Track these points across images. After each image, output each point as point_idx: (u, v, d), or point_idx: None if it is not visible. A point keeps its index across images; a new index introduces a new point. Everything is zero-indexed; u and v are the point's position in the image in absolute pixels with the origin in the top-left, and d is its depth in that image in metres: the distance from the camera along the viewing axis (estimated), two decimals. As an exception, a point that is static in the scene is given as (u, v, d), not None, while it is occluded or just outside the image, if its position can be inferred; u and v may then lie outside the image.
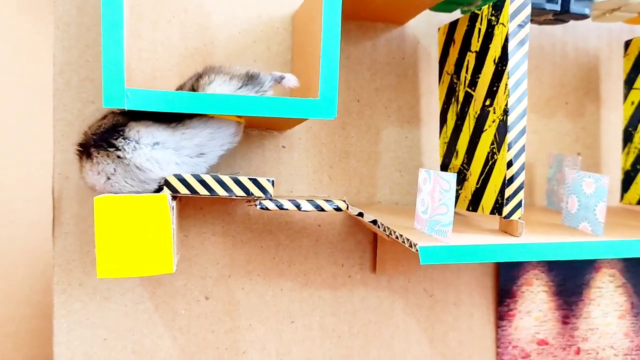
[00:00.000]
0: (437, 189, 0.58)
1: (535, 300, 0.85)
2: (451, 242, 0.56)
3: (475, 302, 0.84)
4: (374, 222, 0.64)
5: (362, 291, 0.80)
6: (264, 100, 0.60)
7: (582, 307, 0.86)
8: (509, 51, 0.61)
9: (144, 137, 0.61)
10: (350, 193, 0.80)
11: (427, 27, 0.81)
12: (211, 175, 0.62)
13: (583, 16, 0.72)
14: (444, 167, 0.76)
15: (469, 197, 0.70)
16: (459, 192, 0.72)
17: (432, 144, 0.82)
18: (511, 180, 0.62)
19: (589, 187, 0.65)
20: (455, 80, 0.73)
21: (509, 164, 0.62)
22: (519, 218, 0.62)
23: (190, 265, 0.74)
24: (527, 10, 0.61)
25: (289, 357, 0.78)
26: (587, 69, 0.88)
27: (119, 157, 0.60)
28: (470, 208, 0.70)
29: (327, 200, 0.65)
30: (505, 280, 0.83)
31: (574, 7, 0.71)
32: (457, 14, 0.79)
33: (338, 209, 0.65)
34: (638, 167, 0.82)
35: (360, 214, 0.66)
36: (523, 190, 0.62)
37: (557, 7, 0.70)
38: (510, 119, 0.62)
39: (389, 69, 0.81)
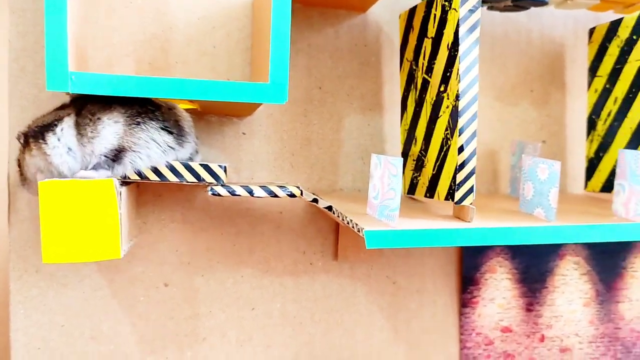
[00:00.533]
0: (386, 174, 0.58)
1: (499, 288, 0.85)
2: (397, 227, 0.56)
3: (439, 289, 0.84)
4: (329, 208, 0.64)
5: (323, 278, 0.80)
6: (215, 84, 0.59)
7: (546, 294, 0.87)
8: (459, 36, 0.61)
9: (65, 136, 0.60)
10: (312, 180, 0.80)
11: (390, 14, 0.81)
12: (165, 163, 0.62)
13: (542, 3, 0.72)
14: (405, 154, 0.76)
15: (427, 183, 0.70)
16: (418, 178, 0.72)
17: (395, 131, 0.82)
18: (462, 165, 0.62)
19: (543, 173, 0.65)
20: (414, 67, 0.73)
21: (460, 150, 0.62)
22: (471, 203, 0.62)
23: (149, 251, 0.74)
24: (478, -5, 0.61)
25: (250, 344, 0.78)
26: (552, 57, 0.88)
27: (44, 152, 0.59)
28: (428, 195, 0.70)
29: (280, 187, 0.65)
30: (469, 267, 0.84)
31: (531, -6, 0.71)
32: (417, 0, 0.79)
33: (292, 195, 0.65)
34: (601, 154, 0.82)
35: (315, 200, 0.66)
36: (474, 175, 0.62)
37: (516, -7, 0.70)
38: (461, 105, 0.62)
39: (351, 56, 0.81)
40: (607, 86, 0.80)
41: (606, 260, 0.88)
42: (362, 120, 0.81)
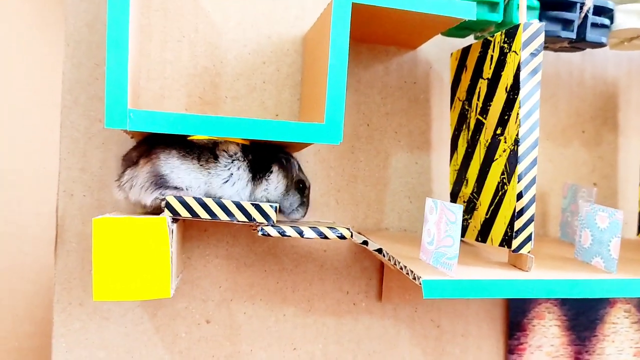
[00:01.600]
0: (443, 220, 0.57)
1: (547, 335, 0.82)
2: (456, 276, 0.54)
3: (484, 334, 0.81)
4: (379, 250, 0.63)
5: (367, 319, 0.78)
6: (271, 124, 0.59)
7: (595, 343, 0.83)
8: (520, 80, 0.60)
9: (242, 173, 0.65)
10: (358, 218, 0.78)
11: (440, 52, 0.80)
12: (213, 199, 0.61)
13: (600, 44, 0.71)
14: (454, 195, 0.74)
15: (478, 227, 0.68)
16: (469, 221, 0.70)
17: (442, 170, 0.80)
18: (521, 212, 0.60)
19: (603, 222, 0.63)
20: (466, 107, 0.71)
21: (519, 196, 0.60)
22: (529, 252, 0.60)
23: (192, 287, 0.73)
24: (541, 39, 0.60)
25: (290, 385, 0.76)
26: (605, 98, 0.86)
27: (210, 172, 0.64)
28: (480, 239, 0.68)
29: (330, 228, 0.64)
30: (516, 312, 0.81)
31: (590, 36, 0.69)
32: (470, 40, 0.78)
33: (342, 237, 0.63)
34: (656, 200, 0.79)
35: (365, 242, 0.65)
36: (533, 223, 0.60)
37: (573, 35, 0.69)
38: (521, 150, 0.60)
39: (401, 93, 0.80)
40: None
41: (659, 309, 0.85)
42: (410, 158, 0.80)
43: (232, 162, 0.64)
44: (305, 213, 0.69)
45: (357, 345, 0.78)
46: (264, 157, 0.67)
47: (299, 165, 0.70)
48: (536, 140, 0.60)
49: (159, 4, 0.73)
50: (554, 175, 0.84)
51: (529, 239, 0.60)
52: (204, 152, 0.64)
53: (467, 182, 0.71)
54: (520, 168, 0.60)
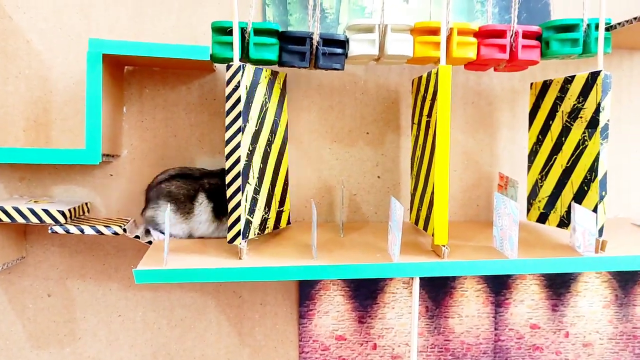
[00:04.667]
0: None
1: (333, 303, 1.00)
2: (165, 267, 0.73)
3: (280, 302, 1.00)
4: (137, 237, 0.82)
5: (178, 292, 0.98)
6: (40, 151, 0.79)
7: (377, 309, 1.00)
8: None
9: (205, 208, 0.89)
10: (169, 212, 0.97)
11: (232, 74, 0.97)
12: (12, 207, 0.81)
13: (334, 69, 0.85)
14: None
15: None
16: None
17: (237, 171, 0.98)
18: (236, 206, 0.78)
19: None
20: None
21: (228, 186, 0.78)
22: (241, 243, 0.78)
23: (35, 269, 0.95)
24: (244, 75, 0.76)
25: (117, 343, 0.97)
26: (387, 103, 1.01)
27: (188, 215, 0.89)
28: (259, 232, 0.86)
29: (106, 226, 0.83)
30: (305, 285, 0.99)
31: (323, 63, 0.84)
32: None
33: (115, 234, 0.83)
34: (414, 192, 0.94)
35: (137, 237, 0.84)
36: (242, 216, 0.78)
37: (306, 64, 0.84)
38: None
39: (202, 108, 0.97)
40: (415, 133, 0.93)
41: (435, 280, 1.01)
42: (213, 162, 0.98)
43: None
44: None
45: (170, 312, 0.98)
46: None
47: None
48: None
49: (0, 48, 0.92)
50: (339, 171, 1.00)
51: (238, 234, 0.78)
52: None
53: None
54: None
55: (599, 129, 0.81)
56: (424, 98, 0.87)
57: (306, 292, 0.99)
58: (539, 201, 0.94)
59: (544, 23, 0.88)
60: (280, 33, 0.84)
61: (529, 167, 0.97)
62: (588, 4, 0.85)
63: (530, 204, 0.97)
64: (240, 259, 0.77)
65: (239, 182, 0.77)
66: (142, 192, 0.96)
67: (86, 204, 0.93)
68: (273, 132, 0.87)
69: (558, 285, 1.03)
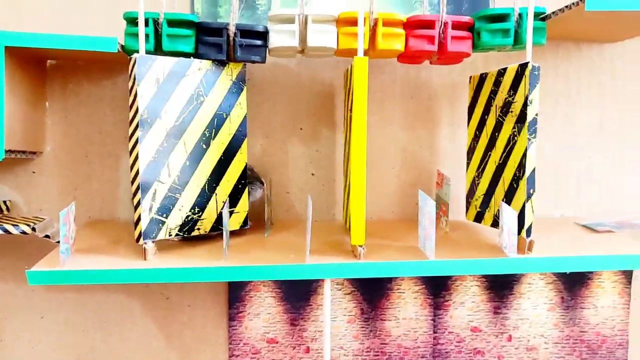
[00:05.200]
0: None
1: (264, 304, 0.96)
2: (63, 268, 0.70)
3: (209, 304, 0.96)
4: (47, 236, 0.79)
5: (103, 293, 0.95)
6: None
7: (309, 310, 0.97)
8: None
9: None
10: (94, 210, 0.94)
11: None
12: None
13: (252, 61, 0.82)
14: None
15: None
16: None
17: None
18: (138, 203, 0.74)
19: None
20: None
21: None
22: (152, 242, 0.75)
23: (-45, 269, 0.92)
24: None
25: (40, 346, 0.94)
26: (321, 98, 0.97)
27: None
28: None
29: (14, 225, 0.80)
30: (235, 286, 0.96)
31: (241, 56, 0.81)
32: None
33: (24, 233, 0.80)
34: (344, 191, 0.91)
35: (47, 236, 0.81)
36: (166, 215, 0.75)
37: (223, 57, 0.81)
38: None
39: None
40: (344, 129, 0.89)
41: (370, 281, 0.97)
42: (139, 158, 0.94)
43: None
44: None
45: (95, 313, 0.95)
46: None
47: None
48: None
49: None
50: (274, 167, 0.97)
51: (141, 234, 0.74)
52: None
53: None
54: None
55: (526, 123, 0.77)
56: (348, 92, 0.83)
57: (236, 293, 0.96)
58: (476, 200, 0.90)
59: (475, 13, 0.84)
60: (197, 24, 0.80)
61: (468, 165, 0.93)
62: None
63: (468, 203, 0.93)
64: (145, 259, 0.74)
65: (138, 180, 0.74)
66: (66, 189, 0.93)
67: (5, 202, 0.90)
68: (213, 127, 0.83)
69: (500, 287, 0.99)
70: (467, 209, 0.93)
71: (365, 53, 0.83)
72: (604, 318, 1.00)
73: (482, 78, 0.89)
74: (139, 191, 0.74)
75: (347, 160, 0.86)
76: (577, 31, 0.94)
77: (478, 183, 0.90)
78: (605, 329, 1.00)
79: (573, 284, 1.00)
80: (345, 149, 0.87)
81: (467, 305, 0.99)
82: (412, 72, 0.98)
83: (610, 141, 1.01)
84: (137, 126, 0.74)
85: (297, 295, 0.96)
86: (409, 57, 0.88)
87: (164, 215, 0.77)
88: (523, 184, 0.78)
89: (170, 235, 0.78)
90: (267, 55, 0.83)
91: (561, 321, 1.00)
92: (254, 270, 0.71)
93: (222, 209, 0.76)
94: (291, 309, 0.96)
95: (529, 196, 0.78)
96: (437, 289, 0.98)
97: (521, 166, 0.78)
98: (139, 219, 0.74)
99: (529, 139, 0.77)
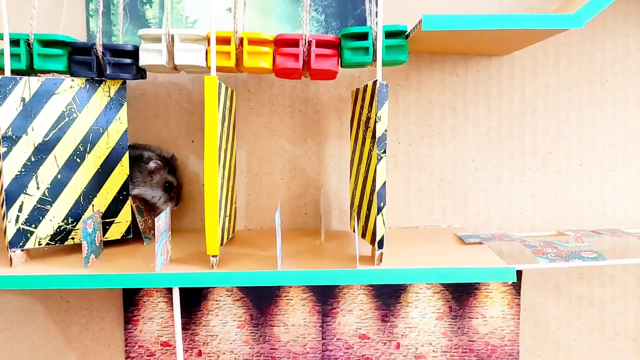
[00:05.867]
0: None
1: (157, 309, 1.01)
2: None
3: (106, 307, 1.02)
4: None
5: (8, 295, 1.01)
6: None
7: (201, 316, 1.01)
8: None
9: None
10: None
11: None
12: None
13: (122, 78, 0.87)
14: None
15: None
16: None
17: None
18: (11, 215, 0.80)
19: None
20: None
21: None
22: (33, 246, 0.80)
23: None
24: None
25: (-52, 345, 1.01)
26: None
27: None
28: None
29: None
30: (129, 291, 1.00)
31: (110, 74, 0.86)
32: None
33: None
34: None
35: None
36: (37, 225, 0.80)
37: (94, 74, 0.86)
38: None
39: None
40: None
41: (259, 287, 1.01)
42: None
43: None
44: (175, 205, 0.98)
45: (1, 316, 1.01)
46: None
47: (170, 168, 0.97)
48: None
49: None
50: (166, 179, 1.01)
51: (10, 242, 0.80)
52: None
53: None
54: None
55: (376, 140, 0.80)
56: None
57: (130, 298, 1.01)
58: (354, 211, 0.93)
59: (342, 31, 0.87)
60: (69, 43, 0.85)
61: (350, 177, 0.96)
62: (381, 11, 0.83)
63: (351, 214, 0.96)
64: (10, 266, 0.80)
65: (3, 193, 0.79)
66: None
67: None
68: (89, 142, 0.88)
69: (387, 296, 1.01)
70: (351, 220, 0.96)
71: (236, 70, 0.87)
72: (493, 328, 1.02)
73: (357, 92, 0.92)
74: (4, 204, 0.80)
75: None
76: (453, 46, 0.96)
77: (354, 195, 0.93)
78: (494, 339, 1.02)
79: (460, 294, 1.02)
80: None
81: (355, 312, 1.02)
82: (300, 86, 1.01)
83: (496, 153, 1.02)
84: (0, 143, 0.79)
85: (188, 300, 1.01)
86: (282, 73, 0.91)
87: (33, 226, 0.83)
88: (375, 197, 0.81)
89: (40, 245, 0.83)
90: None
91: (449, 330, 1.02)
92: (98, 278, 0.76)
93: (88, 217, 0.81)
94: (183, 314, 1.01)
95: (379, 209, 0.80)
96: (325, 296, 1.01)
97: (374, 180, 0.81)
98: (5, 229, 0.80)
99: (378, 155, 0.80)
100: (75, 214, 0.87)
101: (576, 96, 1.02)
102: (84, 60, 0.85)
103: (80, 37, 0.99)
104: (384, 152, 0.80)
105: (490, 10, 1.01)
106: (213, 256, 0.80)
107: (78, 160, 0.87)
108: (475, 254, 0.84)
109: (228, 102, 0.89)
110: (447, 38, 0.87)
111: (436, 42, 0.91)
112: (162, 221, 0.79)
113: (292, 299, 1.01)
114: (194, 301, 1.01)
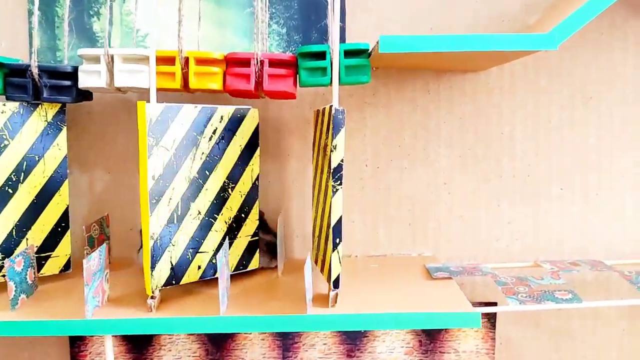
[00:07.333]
0: None
1: (104, 344, 0.94)
2: None
3: (53, 343, 0.95)
4: None
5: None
6: None
7: (152, 351, 0.95)
8: None
9: None
10: None
11: None
12: None
13: (57, 101, 0.80)
14: None
15: None
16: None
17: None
18: None
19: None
20: None
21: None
22: None
23: None
24: None
25: None
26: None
27: None
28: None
29: None
30: (76, 325, 0.94)
31: (47, 97, 0.79)
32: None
33: None
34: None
35: None
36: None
37: (29, 98, 0.78)
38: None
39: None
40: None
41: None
42: None
43: None
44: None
45: (-64, 351, 0.94)
46: None
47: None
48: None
49: None
50: (115, 204, 0.94)
51: None
52: None
53: None
54: None
55: (331, 170, 0.73)
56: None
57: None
58: (315, 241, 0.86)
59: (298, 49, 0.80)
60: (4, 65, 0.78)
61: (312, 201, 0.89)
62: (336, 30, 0.76)
63: (313, 243, 0.89)
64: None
65: None
66: None
67: None
68: (22, 171, 0.81)
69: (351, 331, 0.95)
70: (312, 249, 0.89)
71: (184, 91, 0.81)
72: (466, 363, 0.95)
73: (317, 114, 0.84)
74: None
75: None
76: (423, 63, 0.88)
77: (315, 224, 0.86)
78: (468, 375, 0.95)
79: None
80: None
81: (318, 347, 0.95)
82: (260, 105, 0.94)
83: (471, 177, 0.95)
84: None
85: (137, 339, 0.94)
86: (236, 94, 0.84)
87: (-43, 261, 0.76)
88: (330, 233, 0.74)
89: (-34, 280, 0.77)
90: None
91: (420, 365, 0.95)
92: (22, 326, 0.69)
93: (17, 255, 0.74)
94: (133, 350, 0.94)
95: (335, 246, 0.73)
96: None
97: (330, 213, 0.74)
98: None
99: (334, 187, 0.73)
100: (6, 249, 0.80)
101: (557, 115, 0.95)
102: (20, 83, 0.78)
103: (23, 54, 0.92)
104: (340, 183, 0.73)
105: (466, 22, 0.93)
106: (151, 297, 0.73)
107: (10, 190, 0.80)
108: (441, 294, 0.77)
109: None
110: (414, 56, 0.80)
111: (403, 59, 0.84)
112: (94, 261, 0.71)
113: (250, 333, 0.94)
114: (144, 335, 0.94)
